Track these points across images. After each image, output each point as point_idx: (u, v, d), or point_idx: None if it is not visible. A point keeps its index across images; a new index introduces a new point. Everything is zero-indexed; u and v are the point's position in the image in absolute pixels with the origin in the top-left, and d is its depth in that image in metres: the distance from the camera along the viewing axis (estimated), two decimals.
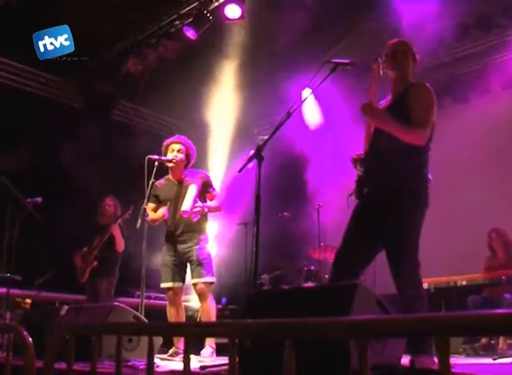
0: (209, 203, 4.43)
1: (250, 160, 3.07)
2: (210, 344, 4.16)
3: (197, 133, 7.53)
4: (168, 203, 4.39)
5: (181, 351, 3.99)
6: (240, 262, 6.69)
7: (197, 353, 4.06)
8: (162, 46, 6.63)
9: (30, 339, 1.88)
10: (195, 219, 4.24)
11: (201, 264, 4.23)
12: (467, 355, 4.83)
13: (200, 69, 6.78)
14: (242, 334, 1.53)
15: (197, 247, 4.29)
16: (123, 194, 5.82)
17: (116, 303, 3.84)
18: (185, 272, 4.38)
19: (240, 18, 6.01)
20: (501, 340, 4.79)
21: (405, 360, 2.49)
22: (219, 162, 8.16)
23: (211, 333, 2.38)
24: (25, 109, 6.63)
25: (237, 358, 1.42)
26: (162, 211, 4.32)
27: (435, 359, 2.47)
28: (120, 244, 5.64)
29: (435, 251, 5.04)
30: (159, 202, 4.44)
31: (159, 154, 4.43)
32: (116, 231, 5.58)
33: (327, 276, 5.92)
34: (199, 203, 4.26)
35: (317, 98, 7.24)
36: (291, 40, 6.14)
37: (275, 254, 6.47)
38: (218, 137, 8.11)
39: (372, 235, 2.90)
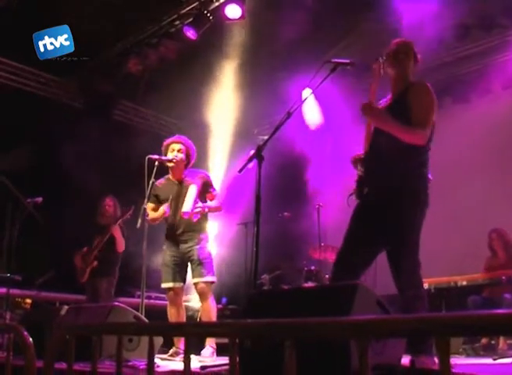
0: (209, 203, 4.42)
1: (250, 160, 3.07)
2: (210, 344, 4.16)
3: (197, 133, 7.52)
4: (170, 199, 4.38)
5: (181, 351, 3.99)
6: (240, 262, 6.68)
7: (198, 353, 4.07)
8: (163, 46, 6.62)
9: (31, 339, 1.88)
10: (195, 220, 4.24)
11: (202, 263, 4.23)
12: (468, 356, 4.82)
13: (200, 69, 6.78)
14: (242, 334, 1.53)
15: (197, 246, 4.29)
16: (123, 194, 5.82)
17: (116, 303, 3.84)
18: (186, 272, 4.38)
19: (240, 18, 6.00)
20: (501, 340, 4.79)
21: (405, 360, 2.49)
22: (219, 162, 8.15)
23: (211, 333, 2.38)
24: (25, 109, 6.62)
25: (238, 359, 1.42)
26: (164, 208, 4.31)
27: (436, 359, 2.48)
28: (121, 245, 5.64)
29: (435, 252, 5.04)
30: (159, 202, 4.43)
31: (159, 154, 4.43)
32: (117, 232, 5.58)
33: (327, 276, 5.94)
34: (199, 203, 4.26)
35: (317, 98, 7.23)
36: (291, 40, 6.13)
37: (275, 254, 6.47)
38: (219, 137, 8.11)
39: (373, 235, 2.90)
